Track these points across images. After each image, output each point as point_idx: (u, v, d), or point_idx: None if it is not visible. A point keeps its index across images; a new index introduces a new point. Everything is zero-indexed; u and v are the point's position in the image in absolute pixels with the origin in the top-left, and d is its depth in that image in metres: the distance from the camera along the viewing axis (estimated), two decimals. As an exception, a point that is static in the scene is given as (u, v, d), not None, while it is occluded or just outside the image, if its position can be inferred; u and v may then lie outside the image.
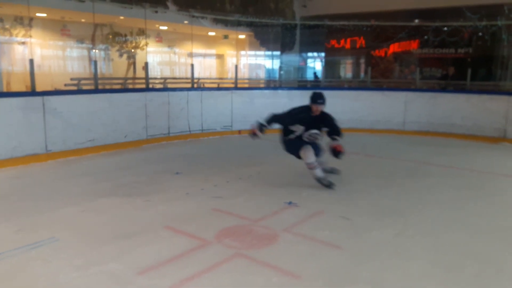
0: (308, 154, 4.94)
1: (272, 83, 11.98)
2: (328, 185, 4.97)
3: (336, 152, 5.04)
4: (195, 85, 8.90)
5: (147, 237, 3.52)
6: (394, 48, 13.54)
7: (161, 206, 4.29)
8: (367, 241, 3.56)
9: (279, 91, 9.56)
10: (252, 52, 14.94)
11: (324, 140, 5.36)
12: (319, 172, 4.99)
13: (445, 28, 11.88)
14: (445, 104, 8.98)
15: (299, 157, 5.09)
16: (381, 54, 13.77)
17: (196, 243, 3.42)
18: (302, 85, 12.25)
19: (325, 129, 5.16)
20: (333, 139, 5.12)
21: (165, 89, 8.45)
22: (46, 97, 6.10)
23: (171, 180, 5.32)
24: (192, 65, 8.87)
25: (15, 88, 9.80)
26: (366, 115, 9.34)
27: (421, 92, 9.42)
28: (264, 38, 13.46)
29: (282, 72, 14.09)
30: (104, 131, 6.90)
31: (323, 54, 14.85)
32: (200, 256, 3.19)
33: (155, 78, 10.57)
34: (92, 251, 3.23)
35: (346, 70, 15.77)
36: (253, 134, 4.96)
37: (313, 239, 3.55)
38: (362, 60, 14.40)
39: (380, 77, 13.14)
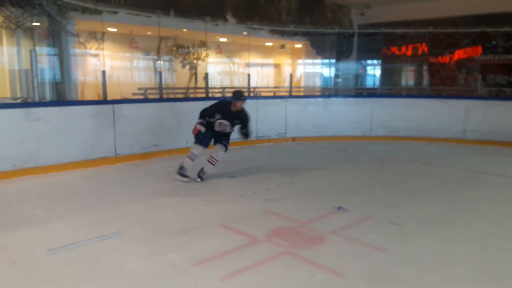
0: (196, 147, 5.64)
1: (327, 91, 12.05)
2: (179, 173, 5.60)
3: (246, 134, 5.74)
4: (251, 94, 9.23)
5: (203, 233, 3.83)
6: (457, 55, 13.07)
7: (216, 206, 4.61)
8: (413, 245, 3.61)
9: (333, 99, 9.65)
10: (309, 61, 15.10)
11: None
12: (187, 163, 5.63)
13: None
14: (508, 112, 8.55)
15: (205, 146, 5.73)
16: (443, 61, 13.32)
17: (247, 240, 3.67)
18: (358, 92, 12.21)
19: (238, 125, 5.73)
20: (243, 133, 5.77)
21: (223, 98, 8.85)
22: (116, 105, 6.70)
23: (226, 183, 5.64)
24: (248, 75, 9.22)
25: (88, 97, 10.72)
26: (424, 123, 9.13)
27: (482, 100, 9.06)
28: (320, 47, 13.58)
29: (340, 79, 14.12)
30: (167, 137, 7.39)
31: (380, 61, 14.66)
32: (250, 252, 3.43)
33: (215, 88, 11.08)
34: (153, 243, 3.58)
35: (405, 77, 15.42)
36: (197, 133, 5.60)
37: (360, 242, 3.66)
38: (422, 68, 14.02)
39: (441, 84, 12.72)
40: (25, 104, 6.17)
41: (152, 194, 5.06)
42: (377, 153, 7.95)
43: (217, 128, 5.68)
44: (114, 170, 6.35)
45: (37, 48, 9.15)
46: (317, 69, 15.27)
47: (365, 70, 15.28)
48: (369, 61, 14.91)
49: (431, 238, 3.75)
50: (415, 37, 12.76)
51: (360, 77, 14.95)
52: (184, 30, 11.65)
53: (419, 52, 13.71)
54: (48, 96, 9.07)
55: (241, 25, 11.00)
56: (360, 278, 3.03)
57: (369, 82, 14.89)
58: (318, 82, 14.72)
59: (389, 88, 12.83)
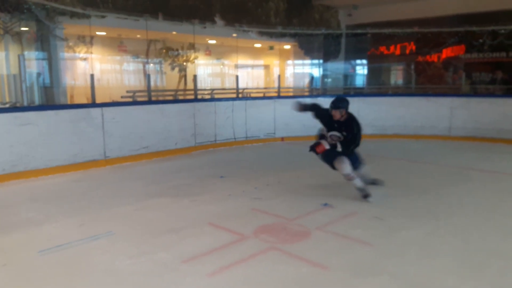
0: (342, 165, 4.84)
1: (315, 91, 12.18)
2: (365, 196, 4.81)
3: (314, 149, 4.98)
4: (240, 95, 9.33)
5: (192, 231, 3.90)
6: (445, 53, 13.29)
7: (205, 205, 4.69)
8: (397, 239, 3.72)
9: (320, 99, 9.75)
10: (297, 62, 15.24)
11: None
12: (358, 183, 4.88)
13: (502, 31, 11.52)
14: (493, 109, 8.75)
15: (333, 167, 5.02)
16: (429, 60, 13.54)
17: (235, 237, 3.76)
18: (346, 92, 12.36)
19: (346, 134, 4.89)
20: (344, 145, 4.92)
21: (212, 99, 8.94)
22: (104, 108, 6.75)
23: (215, 183, 5.72)
24: (237, 76, 9.33)
25: (77, 100, 10.74)
26: (410, 121, 9.29)
27: (467, 97, 9.25)
28: (308, 48, 13.72)
29: (329, 79, 14.26)
30: (157, 139, 7.46)
31: (366, 61, 14.86)
32: (238, 248, 3.51)
33: (203, 89, 11.17)
34: (143, 243, 3.65)
35: (393, 76, 15.63)
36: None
37: (345, 237, 3.76)
38: (410, 67, 14.23)
39: (428, 83, 12.93)
40: (14, 108, 6.20)
41: (141, 195, 5.12)
42: (365, 151, 8.00)
43: (330, 142, 4.93)
44: (104, 173, 6.40)
45: (25, 52, 9.16)
46: (305, 70, 15.42)
47: (354, 70, 15.45)
48: (357, 61, 15.09)
49: (414, 232, 3.87)
50: (403, 37, 12.95)
51: (349, 77, 15.12)
52: (173, 32, 11.72)
53: (407, 51, 13.91)
54: (37, 101, 9.08)
55: (229, 27, 11.09)
56: (344, 270, 3.13)
57: (359, 82, 15.06)
58: (306, 82, 14.85)
59: (376, 87, 13.00)
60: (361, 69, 15.48)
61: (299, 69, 15.72)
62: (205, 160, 7.39)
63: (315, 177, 6.02)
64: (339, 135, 4.87)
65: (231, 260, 3.28)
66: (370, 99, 9.60)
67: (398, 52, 13.73)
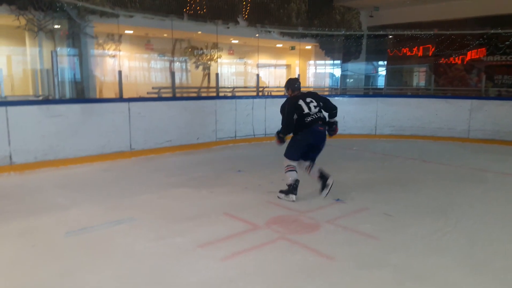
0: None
1: (334, 91, 12.28)
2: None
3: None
4: (260, 93, 9.54)
5: (208, 220, 4.14)
6: (469, 56, 13.15)
7: (222, 197, 4.93)
8: (404, 235, 3.84)
9: (339, 98, 9.89)
10: (319, 62, 15.35)
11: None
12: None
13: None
14: (513, 112, 8.68)
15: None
16: (452, 62, 13.42)
17: (248, 227, 3.97)
18: (366, 92, 12.41)
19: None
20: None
21: (233, 97, 9.19)
22: (131, 103, 7.09)
23: (233, 177, 5.96)
24: (257, 75, 9.54)
25: (105, 95, 11.18)
26: (429, 123, 9.30)
27: (487, 99, 9.19)
28: (329, 48, 13.83)
29: (351, 80, 14.33)
30: (180, 134, 7.76)
31: (386, 62, 14.84)
32: (250, 237, 3.73)
33: (225, 87, 11.43)
34: (162, 228, 3.91)
35: (415, 78, 15.54)
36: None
37: (353, 230, 3.92)
38: (431, 69, 14.14)
39: (448, 85, 12.83)
40: (46, 101, 6.60)
41: (163, 185, 5.41)
42: (381, 151, 8.17)
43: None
44: (129, 164, 6.73)
45: (57, 49, 9.63)
46: (326, 70, 15.51)
47: (377, 71, 15.45)
48: (377, 62, 15.08)
49: (422, 229, 3.98)
50: (426, 38, 12.89)
51: (371, 78, 15.13)
52: (198, 32, 12.04)
53: (430, 53, 13.83)
54: (68, 94, 9.53)
55: (252, 28, 11.32)
56: (349, 261, 3.29)
57: (381, 83, 15.06)
58: (326, 82, 14.95)
59: (395, 88, 12.99)
60: (383, 71, 15.47)
61: (320, 69, 15.83)
62: (225, 155, 7.64)
63: (330, 174, 6.15)
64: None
65: (243, 247, 3.49)
66: (388, 100, 9.66)
67: (420, 53, 13.67)
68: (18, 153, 5.90)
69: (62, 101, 6.61)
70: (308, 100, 5.00)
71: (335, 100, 9.69)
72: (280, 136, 5.19)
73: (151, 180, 5.70)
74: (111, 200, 4.78)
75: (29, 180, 5.63)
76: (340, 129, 9.28)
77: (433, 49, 13.64)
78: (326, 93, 13.08)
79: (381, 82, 15.00)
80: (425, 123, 9.31)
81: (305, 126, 4.95)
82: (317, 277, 3.02)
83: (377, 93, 11.68)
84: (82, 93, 9.68)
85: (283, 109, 5.09)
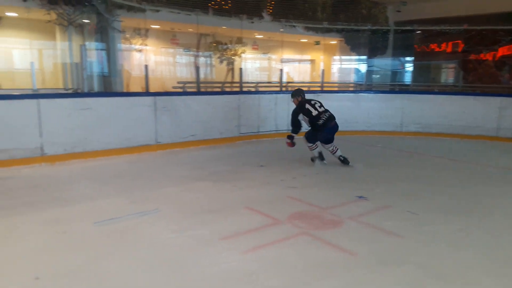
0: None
1: (359, 87, 12.14)
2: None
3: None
4: (284, 89, 9.53)
5: (230, 213, 4.21)
6: (501, 52, 12.73)
7: (244, 191, 4.98)
8: (427, 233, 3.80)
9: (364, 95, 9.79)
10: (344, 57, 15.19)
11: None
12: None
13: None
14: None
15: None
16: (482, 58, 13.02)
17: (270, 221, 4.01)
18: (391, 88, 12.22)
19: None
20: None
21: (256, 92, 9.21)
22: (157, 97, 7.22)
23: (255, 171, 6.00)
24: (281, 70, 9.53)
25: (132, 89, 11.39)
26: (456, 120, 9.08)
27: (518, 97, 8.90)
28: (354, 43, 13.65)
29: (377, 76, 14.13)
30: (203, 128, 7.85)
31: (413, 58, 14.54)
32: (272, 231, 3.76)
33: (248, 83, 11.47)
34: (185, 220, 4.00)
35: (442, 74, 15.17)
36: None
37: (376, 227, 3.90)
38: (458, 65, 13.76)
39: (478, 82, 12.47)
40: (75, 94, 6.79)
41: (187, 178, 5.51)
42: (406, 148, 8.05)
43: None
44: (154, 157, 6.87)
45: (86, 43, 9.87)
46: (351, 65, 15.35)
47: (404, 66, 15.17)
48: (404, 58, 14.80)
49: (445, 227, 3.93)
50: (454, 34, 12.56)
51: (398, 74, 14.86)
52: (223, 27, 12.10)
53: (459, 49, 13.46)
54: (96, 88, 9.77)
55: (276, 22, 11.30)
56: (371, 258, 3.29)
57: (408, 79, 14.79)
58: (351, 78, 14.79)
59: (422, 84, 12.72)
60: (411, 67, 15.19)
61: (345, 65, 15.67)
62: (247, 149, 7.70)
63: (354, 171, 6.14)
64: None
65: (264, 241, 3.54)
66: (414, 97, 9.48)
67: (449, 49, 13.32)
68: (49, 145, 6.11)
69: (90, 94, 6.79)
70: (312, 102, 6.31)
71: (359, 96, 9.68)
72: (290, 136, 6.32)
73: (175, 173, 5.81)
74: (137, 191, 4.91)
75: (59, 171, 5.82)
76: (364, 126, 9.34)
77: (462, 45, 13.27)
78: (351, 89, 12.98)
79: (407, 78, 14.74)
80: (452, 120, 9.10)
81: (319, 129, 6.15)
82: (339, 273, 3.04)
83: (403, 90, 11.46)
84: (110, 86, 9.90)
85: (304, 108, 6.26)
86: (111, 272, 2.98)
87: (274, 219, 4.06)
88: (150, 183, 5.30)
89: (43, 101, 6.06)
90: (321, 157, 6.38)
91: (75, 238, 3.58)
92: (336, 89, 11.95)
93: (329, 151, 6.37)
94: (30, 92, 6.34)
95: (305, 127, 6.40)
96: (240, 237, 3.61)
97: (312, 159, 6.45)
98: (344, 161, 6.32)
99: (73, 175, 5.63)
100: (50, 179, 5.41)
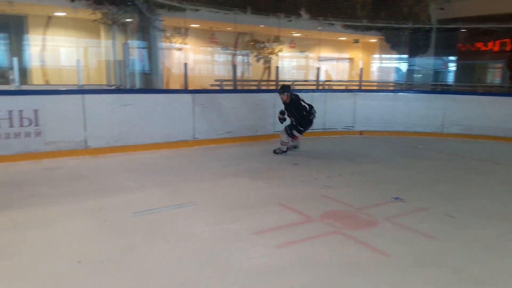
0: (281, 135, 6.99)
1: (399, 86, 11.85)
2: (278, 152, 6.99)
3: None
4: (320, 87, 9.47)
5: (263, 209, 4.25)
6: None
7: (277, 188, 5.01)
8: (465, 237, 3.69)
9: (404, 94, 9.55)
10: (383, 56, 14.89)
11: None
12: (283, 148, 7.04)
13: None
14: None
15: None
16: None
17: (302, 218, 4.02)
18: (433, 88, 11.85)
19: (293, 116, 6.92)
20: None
21: (292, 90, 9.18)
22: (195, 95, 7.38)
23: (290, 169, 6.02)
24: (318, 69, 9.46)
25: (172, 86, 11.69)
26: (502, 123, 8.69)
27: None
28: (395, 42, 13.34)
29: (419, 75, 13.77)
30: (239, 126, 7.95)
31: (456, 57, 14.01)
32: (304, 228, 3.78)
33: (286, 81, 11.45)
34: (220, 214, 4.08)
35: (487, 74, 14.54)
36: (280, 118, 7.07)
37: (411, 229, 3.82)
38: (505, 65, 13.14)
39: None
40: (118, 90, 7.06)
41: (222, 174, 5.61)
42: (447, 150, 7.81)
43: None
44: (191, 152, 7.04)
45: (129, 41, 10.22)
46: (391, 64, 15.01)
47: (446, 66, 14.68)
48: (447, 57, 14.30)
49: (484, 232, 3.80)
50: (502, 32, 12.01)
51: (440, 73, 14.40)
52: (261, 26, 12.17)
53: (508, 48, 12.86)
54: (138, 84, 10.11)
55: (314, 21, 11.24)
56: (405, 259, 3.23)
57: (450, 79, 14.30)
58: (391, 77, 14.47)
59: (465, 85, 12.23)
60: (454, 66, 14.67)
61: (385, 63, 15.35)
62: (282, 148, 7.71)
63: (390, 172, 6.04)
64: (286, 113, 7.00)
65: (296, 237, 3.56)
66: (457, 97, 9.16)
67: (496, 48, 12.75)
68: (92, 138, 6.40)
69: (132, 90, 7.05)
70: (301, 98, 6.96)
71: (399, 96, 9.47)
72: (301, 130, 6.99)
73: (211, 169, 5.93)
74: (174, 185, 5.06)
75: (102, 163, 6.09)
76: (403, 126, 9.12)
77: (511, 44, 12.67)
78: (391, 88, 12.71)
79: (450, 78, 14.25)
80: (497, 123, 8.71)
81: (310, 123, 6.97)
82: (371, 272, 3.01)
83: (445, 90, 11.10)
84: (151, 83, 10.22)
85: (300, 103, 6.84)
86: (148, 260, 3.10)
87: (307, 216, 4.07)
88: (186, 177, 5.44)
89: (87, 96, 6.35)
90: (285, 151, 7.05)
91: (115, 227, 3.74)
92: (375, 88, 11.74)
93: (292, 141, 7.11)
94: (75, 88, 6.65)
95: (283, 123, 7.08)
96: (273, 233, 3.65)
97: (277, 152, 7.01)
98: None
99: (114, 168, 5.87)
100: (92, 171, 5.67)
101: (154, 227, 3.74)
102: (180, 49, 12.02)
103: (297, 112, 6.80)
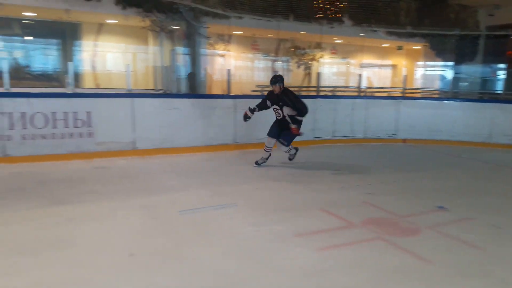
0: (268, 141, 6.38)
1: (444, 94, 11.54)
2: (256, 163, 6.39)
3: (292, 135, 6.18)
4: (362, 94, 9.41)
5: (304, 213, 4.31)
6: None
7: (318, 193, 5.05)
8: (513, 248, 3.60)
9: (449, 102, 9.31)
10: (428, 63, 14.55)
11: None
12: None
13: None
14: None
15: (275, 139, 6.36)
16: None
17: (344, 223, 4.05)
18: (480, 97, 11.45)
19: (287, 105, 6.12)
20: (293, 118, 6.17)
21: (333, 96, 9.23)
22: (237, 100, 7.55)
23: (330, 175, 6.04)
24: (359, 75, 9.41)
25: (214, 91, 11.97)
26: (555, 134, 8.31)
27: None
28: (440, 49, 13.00)
29: (465, 83, 13.36)
30: (279, 131, 8.01)
31: (506, 65, 13.43)
32: (346, 233, 3.81)
33: (325, 87, 11.47)
34: (261, 216, 4.18)
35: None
36: (244, 115, 6.39)
37: (455, 238, 3.77)
38: None
39: None
40: (165, 95, 7.35)
41: (262, 177, 5.72)
42: (494, 161, 7.54)
43: (277, 116, 6.38)
44: (233, 155, 7.20)
45: (175, 48, 10.60)
46: (436, 71, 14.63)
47: (496, 74, 14.14)
48: (496, 65, 13.76)
49: (535, 244, 3.69)
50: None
51: (489, 81, 13.89)
52: (302, 32, 12.25)
53: None
54: (183, 89, 10.45)
55: (357, 27, 11.19)
56: (449, 268, 3.20)
57: (499, 88, 13.75)
58: (435, 85, 14.10)
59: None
60: (503, 74, 14.09)
61: (430, 71, 14.99)
62: (322, 153, 7.74)
63: (433, 180, 5.93)
64: (277, 107, 6.22)
65: (338, 241, 3.60)
66: (507, 106, 8.80)
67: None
68: (140, 140, 6.71)
69: (178, 95, 7.32)
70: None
71: (444, 104, 9.24)
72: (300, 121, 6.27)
73: (252, 172, 6.05)
74: (216, 186, 5.21)
75: (149, 164, 6.36)
76: (448, 135, 8.89)
77: None
78: (435, 96, 12.39)
79: (499, 87, 13.70)
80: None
81: (306, 110, 6.21)
82: (414, 279, 3.01)
83: (494, 99, 10.70)
84: (194, 89, 10.53)
85: (296, 97, 6.20)
86: (195, 255, 3.25)
87: (349, 222, 4.10)
88: (228, 179, 5.59)
89: (136, 100, 6.67)
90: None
91: (163, 223, 3.93)
92: (419, 95, 11.49)
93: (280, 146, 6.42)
94: (125, 91, 6.99)
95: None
96: (315, 236, 3.70)
97: (291, 158, 6.72)
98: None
99: (160, 168, 6.12)
100: (140, 171, 5.93)
101: (200, 225, 3.90)
102: (222, 55, 12.30)
103: (295, 100, 6.11)
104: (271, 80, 6.15)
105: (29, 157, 6.01)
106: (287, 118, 6.19)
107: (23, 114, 5.95)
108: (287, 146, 6.30)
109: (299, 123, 6.23)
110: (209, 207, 4.38)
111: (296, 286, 2.86)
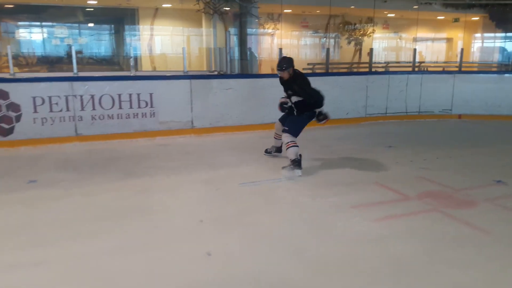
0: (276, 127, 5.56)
1: (505, 67, 10.98)
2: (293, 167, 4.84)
3: (300, 123, 5.19)
4: (416, 69, 9.20)
5: (359, 186, 4.46)
6: None
7: (372, 168, 5.16)
8: None
9: (510, 76, 8.89)
10: (487, 34, 13.81)
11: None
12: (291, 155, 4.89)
13: None
14: None
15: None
16: None
17: (399, 197, 4.16)
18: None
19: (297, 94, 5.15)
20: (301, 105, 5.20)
21: (386, 72, 9.10)
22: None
23: (383, 151, 6.09)
24: (414, 50, 9.19)
25: (264, 71, 12.16)
26: None
27: None
28: (501, 19, 12.28)
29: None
30: (330, 108, 7.98)
31: None
32: (402, 205, 3.92)
33: (378, 63, 11.28)
34: (317, 189, 4.37)
35: None
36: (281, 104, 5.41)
37: (514, 211, 3.78)
38: None
39: None
40: (220, 75, 7.63)
41: (314, 153, 5.89)
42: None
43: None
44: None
45: (229, 29, 10.83)
46: (496, 43, 13.86)
47: None
48: None
49: None
50: None
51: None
52: (352, 7, 12.04)
53: None
54: (236, 70, 10.74)
55: (410, 0, 10.83)
56: (506, 238, 3.25)
57: None
58: (494, 58, 13.39)
59: None
60: None
61: (488, 43, 14.22)
62: (375, 130, 7.74)
63: (492, 156, 5.83)
64: (289, 93, 5.20)
65: (394, 212, 3.73)
66: None
67: None
68: (197, 119, 7.07)
69: (232, 75, 7.58)
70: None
71: (504, 78, 8.85)
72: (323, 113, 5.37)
73: (306, 148, 6.18)
74: (271, 162, 5.46)
75: (206, 141, 6.72)
76: (509, 110, 8.59)
77: None
78: (494, 69, 11.82)
79: None
80: None
81: (311, 115, 5.29)
82: (470, 248, 3.10)
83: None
84: (247, 69, 10.77)
85: (307, 84, 5.15)
86: (257, 222, 3.53)
87: (404, 195, 4.20)
88: (281, 156, 5.80)
89: (194, 81, 7.00)
90: (299, 163, 4.85)
91: (226, 194, 4.24)
92: (475, 69, 11.03)
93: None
94: (181, 73, 7.34)
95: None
96: (371, 208, 3.85)
97: (287, 166, 4.89)
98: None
99: (217, 145, 6.45)
100: (199, 148, 6.30)
101: (260, 196, 4.17)
102: (272, 34, 12.39)
103: (305, 88, 5.07)
104: (277, 66, 5.07)
105: (98, 136, 6.54)
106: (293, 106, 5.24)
107: (92, 96, 6.46)
108: (288, 134, 4.99)
109: (307, 112, 5.24)
110: (267, 180, 4.64)
111: (353, 253, 3.04)
